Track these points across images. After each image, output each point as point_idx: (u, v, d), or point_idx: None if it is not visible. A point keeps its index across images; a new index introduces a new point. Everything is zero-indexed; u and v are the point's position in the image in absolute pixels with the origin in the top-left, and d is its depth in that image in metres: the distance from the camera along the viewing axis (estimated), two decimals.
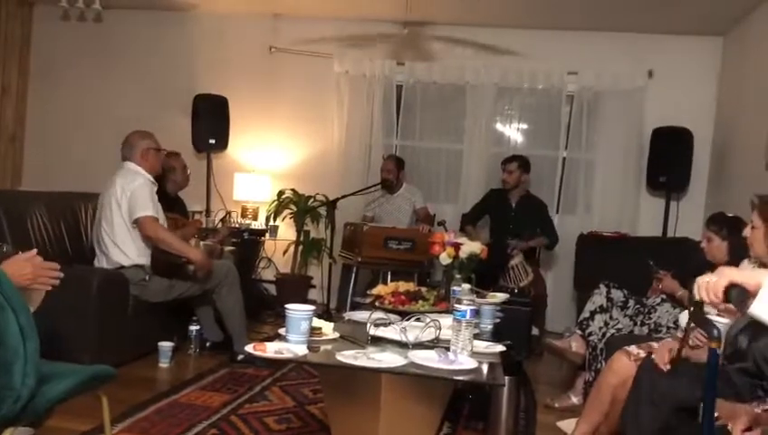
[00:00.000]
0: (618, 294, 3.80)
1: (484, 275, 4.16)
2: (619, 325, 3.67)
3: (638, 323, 3.65)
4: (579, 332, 3.78)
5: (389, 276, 5.06)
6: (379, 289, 3.33)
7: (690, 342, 2.77)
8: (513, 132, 6.22)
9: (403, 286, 3.32)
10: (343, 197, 5.54)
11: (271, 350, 2.18)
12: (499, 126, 6.24)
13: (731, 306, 1.64)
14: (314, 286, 6.04)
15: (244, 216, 6.11)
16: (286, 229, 6.14)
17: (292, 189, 6.07)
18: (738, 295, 1.56)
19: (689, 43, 5.74)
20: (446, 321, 2.45)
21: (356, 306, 3.65)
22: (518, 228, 5.26)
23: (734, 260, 2.89)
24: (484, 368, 2.27)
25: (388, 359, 2.19)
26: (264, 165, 6.33)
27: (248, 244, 5.71)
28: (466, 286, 3.11)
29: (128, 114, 5.96)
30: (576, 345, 3.76)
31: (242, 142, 6.31)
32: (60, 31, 6.53)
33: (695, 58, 5.78)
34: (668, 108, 5.69)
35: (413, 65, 6.15)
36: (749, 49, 5.12)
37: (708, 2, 4.94)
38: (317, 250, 6.01)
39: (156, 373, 3.97)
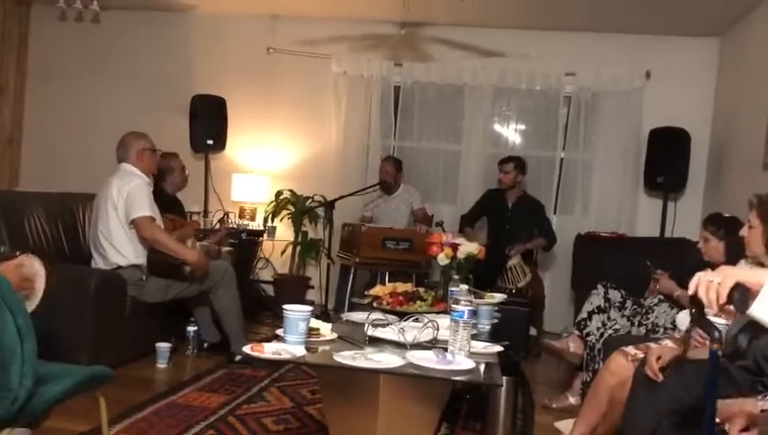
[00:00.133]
0: (615, 295, 3.81)
1: (481, 275, 4.16)
2: (617, 326, 3.67)
3: (636, 323, 3.65)
4: (576, 332, 3.79)
5: (387, 277, 5.07)
6: (377, 290, 3.33)
7: (690, 343, 2.77)
8: (511, 133, 6.23)
9: (401, 287, 3.33)
10: (341, 197, 5.54)
11: (269, 351, 2.18)
12: (497, 127, 6.24)
13: (730, 307, 1.63)
14: (312, 287, 6.04)
15: (241, 216, 6.11)
16: (284, 230, 6.14)
17: (290, 190, 6.07)
18: (740, 297, 1.54)
19: (687, 44, 5.75)
20: (444, 321, 2.45)
21: (354, 307, 3.65)
22: (515, 229, 5.27)
23: (732, 260, 2.89)
24: (482, 368, 2.27)
25: (386, 359, 2.19)
26: (262, 166, 6.33)
27: (246, 244, 5.71)
28: (464, 287, 3.09)
29: (125, 115, 5.97)
30: (574, 346, 3.77)
31: (240, 143, 6.30)
32: (57, 31, 6.53)
33: (692, 59, 5.79)
34: (666, 109, 5.70)
35: (411, 66, 6.15)
36: (746, 50, 5.13)
37: (706, 3, 4.94)
38: (315, 251, 6.01)
39: (153, 374, 3.96)
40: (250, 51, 6.31)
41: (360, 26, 6.03)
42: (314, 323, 2.41)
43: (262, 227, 6.04)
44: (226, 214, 5.95)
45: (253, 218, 6.13)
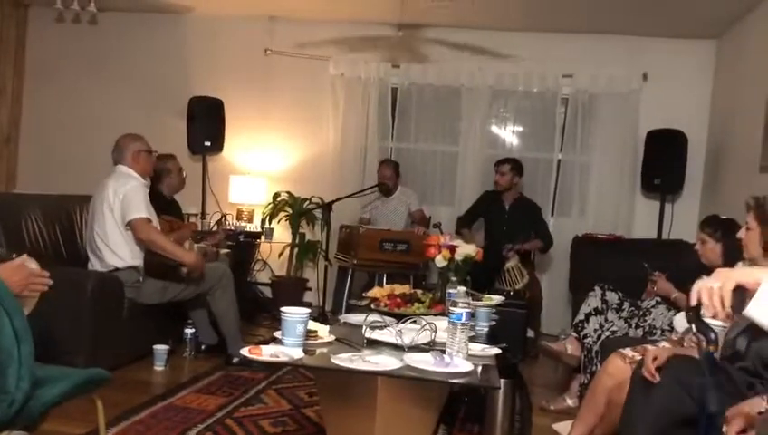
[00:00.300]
0: (612, 297, 3.81)
1: (479, 277, 4.16)
2: (614, 328, 3.67)
3: (633, 325, 3.65)
4: (574, 334, 3.79)
5: (385, 279, 5.06)
6: (375, 292, 3.33)
7: (685, 344, 2.78)
8: (509, 135, 6.23)
9: (399, 289, 3.32)
10: (339, 199, 5.54)
11: (266, 353, 2.18)
12: (494, 128, 6.25)
13: (728, 310, 1.62)
14: (310, 289, 6.04)
15: (239, 218, 6.11)
16: (282, 232, 6.14)
17: (288, 192, 6.07)
18: (738, 299, 1.53)
19: (684, 45, 5.76)
20: (442, 323, 2.45)
21: (351, 309, 3.64)
22: (512, 231, 5.27)
23: (729, 262, 2.90)
24: (480, 371, 2.27)
25: (383, 362, 2.19)
26: (260, 167, 6.32)
27: (243, 246, 5.71)
28: (462, 289, 3.10)
29: (123, 116, 5.96)
30: (571, 348, 3.77)
31: (237, 145, 6.30)
32: (55, 33, 6.52)
33: (689, 61, 5.80)
34: (663, 110, 5.70)
35: (408, 68, 6.16)
36: (743, 52, 5.14)
37: (703, 5, 4.95)
38: (312, 253, 6.01)
39: (151, 376, 3.96)
40: (247, 52, 6.31)
41: (358, 28, 6.04)
42: (312, 325, 2.41)
43: (259, 229, 6.04)
44: (224, 216, 5.95)
45: (250, 220, 6.13)
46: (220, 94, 6.09)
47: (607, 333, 3.64)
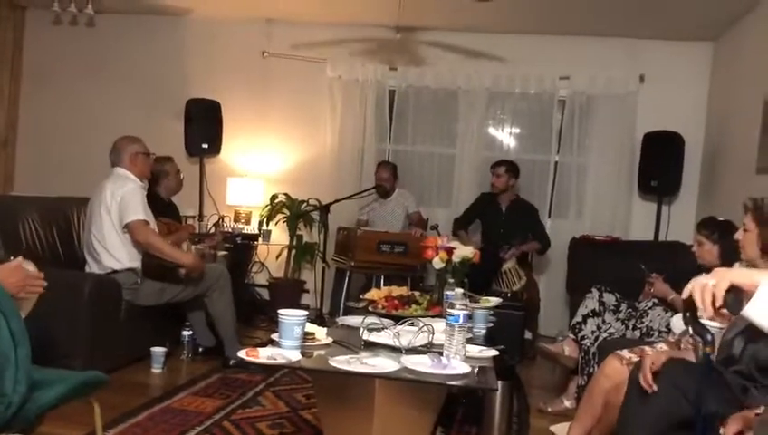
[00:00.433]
0: (610, 298, 3.81)
1: (477, 279, 4.16)
2: (612, 329, 3.68)
3: (631, 327, 3.66)
4: (571, 336, 3.79)
5: (383, 281, 5.06)
6: (373, 294, 3.33)
7: (681, 346, 2.78)
8: (506, 137, 6.24)
9: (396, 291, 3.32)
10: (336, 201, 5.53)
11: (264, 355, 2.18)
12: (491, 130, 6.26)
13: (724, 311, 1.63)
14: (307, 291, 6.03)
15: (236, 220, 6.10)
16: (279, 234, 6.13)
17: (285, 194, 6.06)
18: (734, 300, 1.54)
19: (680, 48, 5.77)
20: (440, 325, 2.45)
21: (349, 311, 3.64)
22: (509, 233, 5.28)
23: (726, 264, 2.90)
24: (477, 372, 2.27)
25: (381, 364, 2.19)
26: (257, 169, 6.32)
27: (241, 248, 5.70)
28: (459, 291, 3.11)
29: (120, 119, 5.95)
30: (569, 349, 3.77)
31: (235, 147, 6.30)
32: (52, 35, 6.51)
33: (686, 63, 5.81)
34: (660, 112, 5.72)
35: (405, 70, 6.16)
36: (739, 54, 5.16)
37: (699, 7, 4.97)
38: (310, 254, 6.01)
39: (148, 379, 3.95)
40: (245, 55, 6.32)
41: (355, 31, 6.04)
42: (309, 327, 2.41)
43: (257, 231, 6.03)
44: (221, 218, 5.95)
45: (248, 222, 6.12)
46: (217, 96, 6.09)
47: (604, 335, 3.65)
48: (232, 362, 4.09)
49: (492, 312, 3.27)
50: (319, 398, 2.52)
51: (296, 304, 5.37)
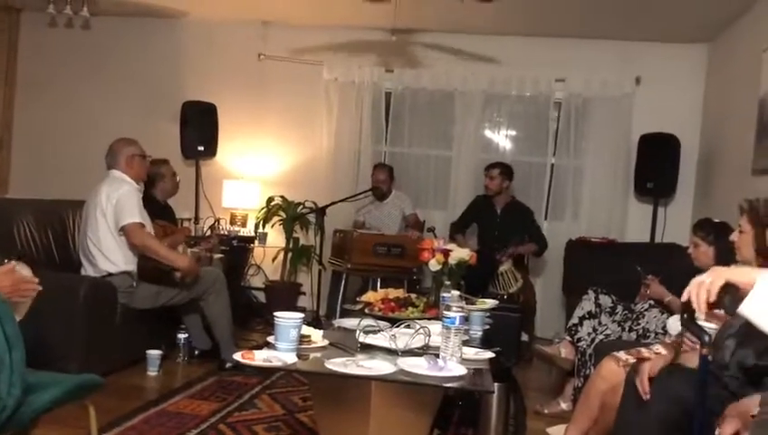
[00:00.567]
0: (606, 300, 3.82)
1: (473, 281, 4.17)
2: (608, 331, 3.68)
3: (627, 328, 3.66)
4: (568, 338, 3.79)
5: (379, 283, 5.06)
6: (369, 296, 3.33)
7: (683, 348, 2.78)
8: (502, 139, 6.24)
9: (393, 293, 3.33)
10: (333, 203, 5.53)
11: (260, 358, 2.17)
12: (488, 133, 6.26)
13: (720, 312, 1.62)
14: (304, 293, 6.03)
15: (232, 223, 6.09)
16: (275, 236, 6.12)
17: (282, 196, 6.06)
18: (731, 299, 1.53)
19: (676, 50, 5.79)
20: (436, 328, 2.45)
21: (345, 313, 3.64)
22: (504, 235, 5.27)
23: (721, 265, 2.90)
24: (474, 374, 2.27)
25: (377, 366, 2.19)
26: (253, 172, 6.32)
27: (237, 251, 5.69)
28: (456, 293, 3.11)
29: (116, 121, 5.93)
30: (565, 351, 3.77)
31: (231, 149, 6.29)
32: (47, 38, 6.50)
33: (681, 65, 5.83)
34: (656, 114, 5.73)
35: (402, 72, 6.16)
36: (734, 55, 5.17)
37: (694, 10, 4.98)
38: (306, 257, 6.00)
39: (144, 382, 3.94)
40: (241, 57, 6.31)
41: (351, 33, 6.04)
42: (306, 330, 2.41)
43: (253, 234, 6.03)
44: (217, 220, 5.94)
45: (244, 225, 6.11)
46: (214, 99, 6.09)
47: (600, 337, 3.65)
48: (228, 364, 4.09)
49: (488, 314, 3.27)
50: (315, 400, 2.52)
51: (292, 307, 5.36)
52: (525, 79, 5.99)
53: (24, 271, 2.07)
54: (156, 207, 4.57)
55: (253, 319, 5.65)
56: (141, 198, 4.07)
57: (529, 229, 5.40)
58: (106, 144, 4.14)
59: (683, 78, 5.82)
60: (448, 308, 2.31)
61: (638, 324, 3.61)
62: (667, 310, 3.53)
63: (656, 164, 5.52)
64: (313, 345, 2.40)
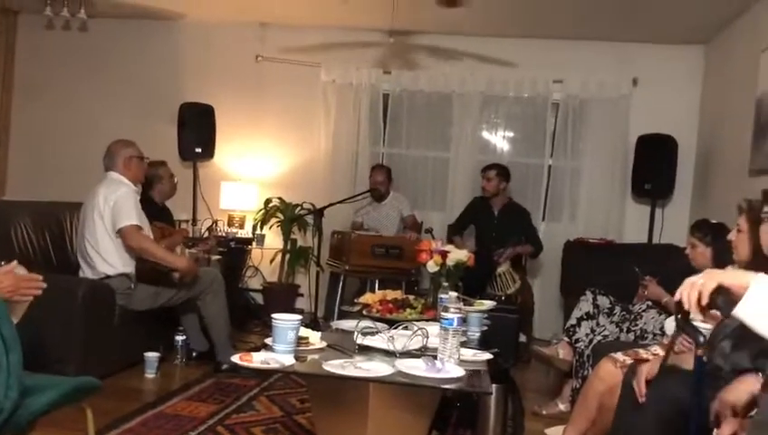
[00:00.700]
0: (604, 301, 3.82)
1: (471, 282, 4.17)
2: (606, 332, 3.68)
3: (625, 329, 3.66)
4: (566, 339, 3.79)
5: (377, 284, 5.06)
6: (367, 297, 3.33)
7: (675, 348, 2.79)
8: (499, 140, 6.25)
9: (390, 295, 3.32)
10: (330, 205, 5.53)
11: (257, 360, 2.17)
12: (485, 134, 6.27)
13: (715, 313, 1.62)
14: (302, 295, 6.02)
15: (230, 224, 6.09)
16: (273, 238, 6.12)
17: (279, 198, 6.06)
18: (725, 301, 1.53)
19: (673, 51, 5.80)
20: (434, 329, 2.45)
21: (343, 315, 3.64)
22: (502, 236, 5.27)
23: (719, 266, 2.90)
24: (472, 376, 2.27)
25: (375, 368, 2.19)
26: (251, 173, 6.31)
27: (235, 252, 5.69)
28: (454, 294, 3.11)
29: (113, 123, 5.93)
30: (563, 352, 3.78)
31: (228, 151, 6.29)
32: (45, 40, 6.49)
33: (678, 66, 5.83)
34: (653, 115, 5.74)
35: (399, 74, 6.17)
36: (731, 57, 5.18)
37: (691, 11, 4.99)
38: (304, 259, 5.99)
39: (142, 384, 3.93)
40: (239, 59, 6.31)
41: (349, 34, 6.04)
42: (303, 331, 2.41)
43: (251, 235, 6.02)
44: (215, 222, 5.93)
45: (241, 226, 6.11)
46: (211, 100, 6.08)
47: (598, 338, 3.65)
48: (224, 366, 4.08)
49: (486, 315, 3.27)
50: (313, 402, 2.52)
51: (290, 309, 5.36)
52: (523, 80, 6.00)
53: (21, 272, 2.07)
54: (154, 209, 4.56)
55: (250, 321, 5.64)
56: (139, 199, 4.07)
57: (525, 231, 5.41)
58: (104, 146, 4.14)
59: (680, 79, 5.83)
60: (446, 309, 2.31)
61: (636, 325, 3.61)
62: (665, 311, 3.53)
63: (653, 165, 5.53)
64: (311, 347, 2.40)
